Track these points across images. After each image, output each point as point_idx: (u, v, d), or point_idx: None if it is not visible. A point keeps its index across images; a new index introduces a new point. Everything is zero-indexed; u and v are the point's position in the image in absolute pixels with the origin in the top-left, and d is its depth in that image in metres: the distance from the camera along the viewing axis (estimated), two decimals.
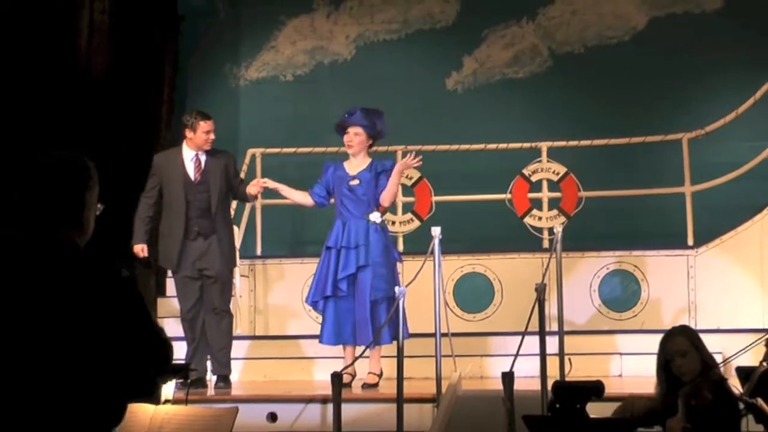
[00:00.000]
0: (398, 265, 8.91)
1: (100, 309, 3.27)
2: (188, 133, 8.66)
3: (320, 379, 8.67)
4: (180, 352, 9.21)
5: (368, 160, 8.57)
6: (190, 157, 8.64)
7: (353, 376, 8.35)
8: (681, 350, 5.73)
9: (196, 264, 8.56)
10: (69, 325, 3.25)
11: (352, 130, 8.52)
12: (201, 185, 8.61)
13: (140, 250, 8.60)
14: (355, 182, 8.47)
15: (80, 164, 3.49)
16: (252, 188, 8.71)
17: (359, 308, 8.32)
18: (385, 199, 8.48)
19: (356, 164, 8.55)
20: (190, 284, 8.58)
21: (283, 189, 8.90)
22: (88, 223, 3.48)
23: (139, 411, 6.01)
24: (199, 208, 8.58)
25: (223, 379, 8.54)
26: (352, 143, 8.53)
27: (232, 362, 8.70)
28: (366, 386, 8.32)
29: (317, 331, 10.03)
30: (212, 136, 8.64)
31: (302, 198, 8.79)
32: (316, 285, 8.47)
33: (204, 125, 8.61)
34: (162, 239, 8.67)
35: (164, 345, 3.39)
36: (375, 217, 8.43)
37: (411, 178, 10.64)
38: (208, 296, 8.59)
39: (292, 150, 10.93)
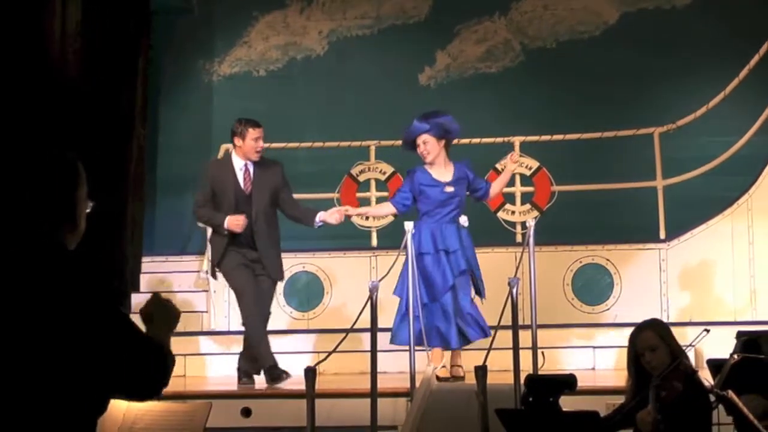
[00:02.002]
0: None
1: (82, 315, 3.26)
2: (237, 141, 8.53)
3: (294, 373, 8.68)
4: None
5: (452, 165, 8.55)
6: (240, 166, 8.52)
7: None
8: (650, 345, 5.75)
9: (247, 259, 8.48)
10: (48, 331, 3.24)
11: (419, 140, 8.46)
12: (250, 197, 8.51)
13: (235, 221, 8.39)
14: (451, 189, 8.46)
15: (69, 161, 3.47)
16: (331, 218, 8.54)
17: (459, 309, 8.28)
18: (496, 194, 8.79)
19: (444, 171, 8.50)
20: (243, 269, 8.46)
21: (366, 211, 9.28)
22: (80, 221, 3.47)
23: (112, 406, 5.99)
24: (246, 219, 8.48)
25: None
26: (427, 152, 8.45)
27: (206, 357, 8.71)
28: (455, 378, 8.35)
29: (291, 326, 10.09)
30: (261, 144, 8.53)
31: (386, 210, 8.88)
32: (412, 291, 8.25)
33: (253, 132, 8.48)
34: (214, 246, 8.62)
35: (159, 348, 3.39)
36: (464, 221, 8.48)
37: (384, 173, 10.68)
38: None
39: (265, 145, 10.92)
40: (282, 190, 8.61)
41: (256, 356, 8.46)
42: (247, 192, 8.50)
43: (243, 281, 8.44)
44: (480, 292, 8.45)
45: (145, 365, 3.30)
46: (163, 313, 3.48)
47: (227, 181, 8.51)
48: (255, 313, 8.39)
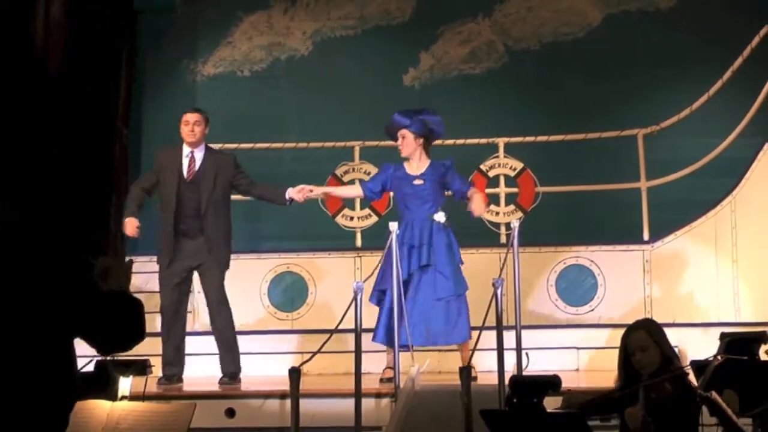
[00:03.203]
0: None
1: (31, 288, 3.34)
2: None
3: (278, 374, 8.67)
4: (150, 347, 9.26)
5: (428, 161, 8.62)
6: (186, 153, 8.66)
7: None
8: (641, 345, 5.77)
9: (186, 262, 8.59)
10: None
11: (399, 134, 8.60)
12: (192, 184, 8.60)
13: (128, 223, 8.51)
14: (420, 182, 8.53)
15: None
16: (297, 194, 8.69)
17: (422, 307, 8.31)
18: (479, 210, 8.49)
19: (417, 165, 8.61)
20: (174, 280, 8.61)
21: (331, 191, 9.44)
22: None
23: (96, 407, 6.00)
24: (190, 207, 8.57)
25: (231, 375, 8.59)
26: (402, 146, 8.60)
27: (190, 357, 8.71)
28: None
29: (274, 326, 10.06)
30: (191, 129, 8.59)
31: (352, 191, 9.26)
32: (379, 281, 8.46)
33: (184, 117, 8.63)
34: (160, 235, 8.68)
35: (124, 296, 3.48)
36: (439, 216, 8.50)
37: (368, 174, 10.66)
38: (206, 293, 8.70)
39: (249, 146, 10.91)
40: (236, 178, 8.73)
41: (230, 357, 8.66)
42: (187, 180, 8.61)
43: (167, 302, 8.64)
44: (446, 290, 8.42)
45: (116, 314, 3.40)
46: (118, 267, 3.60)
47: (172, 167, 8.64)
48: (169, 326, 8.65)
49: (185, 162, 8.64)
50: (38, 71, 10.04)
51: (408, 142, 8.59)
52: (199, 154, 8.65)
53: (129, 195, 8.74)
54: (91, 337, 3.46)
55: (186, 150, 8.65)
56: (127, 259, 3.71)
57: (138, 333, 3.55)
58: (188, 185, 8.59)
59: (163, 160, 8.72)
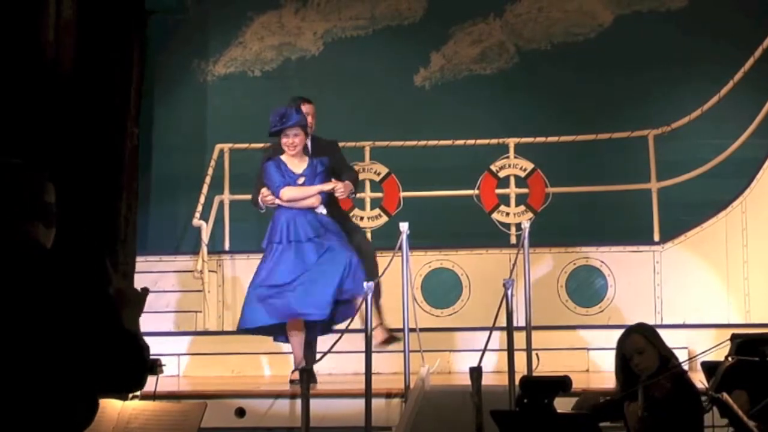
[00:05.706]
0: None
1: (62, 309, 3.27)
2: None
3: (288, 374, 8.66)
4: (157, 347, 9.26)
5: (306, 157, 8.52)
6: None
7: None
8: (638, 348, 5.79)
9: None
10: (29, 327, 3.26)
11: (291, 132, 8.38)
12: None
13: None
14: (302, 180, 8.43)
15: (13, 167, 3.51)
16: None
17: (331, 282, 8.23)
18: (286, 195, 8.37)
19: (298, 162, 8.47)
20: None
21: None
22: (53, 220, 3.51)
23: (107, 406, 5.99)
24: None
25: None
26: (295, 145, 8.36)
27: (200, 357, 8.71)
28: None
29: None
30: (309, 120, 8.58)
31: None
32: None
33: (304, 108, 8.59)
34: None
35: (135, 340, 3.40)
36: (321, 209, 8.42)
37: (379, 174, 10.67)
38: None
39: (260, 145, 10.92)
40: None
41: None
42: None
43: None
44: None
45: (123, 357, 3.34)
46: (133, 297, 3.55)
47: None
48: None
49: None
50: (47, 70, 10.05)
51: (301, 140, 8.41)
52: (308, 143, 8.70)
53: None
54: (90, 371, 3.39)
55: None
56: (141, 287, 3.62)
57: (137, 380, 3.46)
58: None
59: None
